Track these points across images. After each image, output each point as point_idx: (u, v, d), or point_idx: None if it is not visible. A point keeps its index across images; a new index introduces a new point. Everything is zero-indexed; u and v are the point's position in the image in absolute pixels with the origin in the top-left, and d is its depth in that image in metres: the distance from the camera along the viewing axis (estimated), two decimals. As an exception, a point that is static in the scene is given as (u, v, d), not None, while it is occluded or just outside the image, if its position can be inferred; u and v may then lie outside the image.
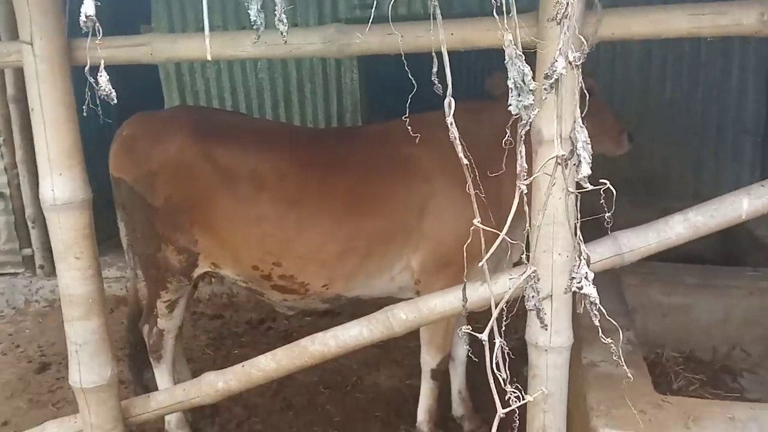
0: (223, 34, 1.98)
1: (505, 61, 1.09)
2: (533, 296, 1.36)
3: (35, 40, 1.90)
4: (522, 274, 1.28)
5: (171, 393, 2.40)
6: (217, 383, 2.27)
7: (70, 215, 2.03)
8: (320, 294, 3.46)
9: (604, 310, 1.33)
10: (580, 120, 1.15)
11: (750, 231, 4.27)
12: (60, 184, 2.00)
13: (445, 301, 2.09)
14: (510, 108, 1.11)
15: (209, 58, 1.50)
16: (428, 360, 3.58)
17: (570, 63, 1.07)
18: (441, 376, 3.64)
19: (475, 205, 1.21)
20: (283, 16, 1.32)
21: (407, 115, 4.40)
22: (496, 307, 1.25)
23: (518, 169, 1.14)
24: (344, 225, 3.34)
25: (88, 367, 2.17)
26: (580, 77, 1.14)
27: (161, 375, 3.81)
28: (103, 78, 1.37)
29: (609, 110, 3.66)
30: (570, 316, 1.98)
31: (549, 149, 1.83)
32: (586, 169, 1.14)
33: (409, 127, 1.87)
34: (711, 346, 3.68)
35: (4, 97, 5.67)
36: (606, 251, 2.02)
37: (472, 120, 3.13)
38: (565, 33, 1.08)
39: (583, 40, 1.12)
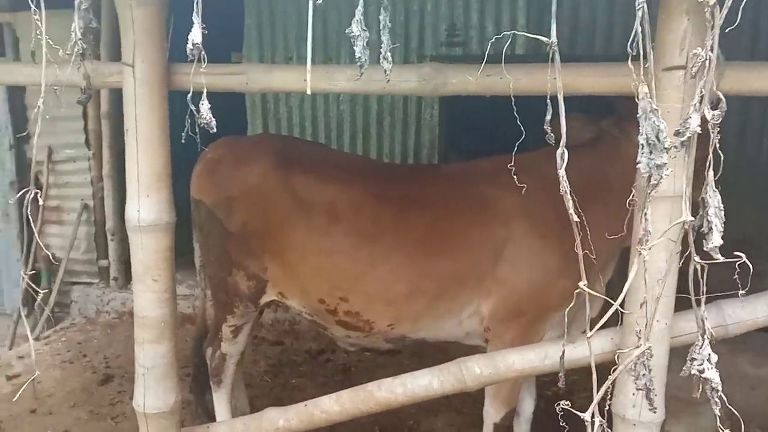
0: (318, 67, 1.97)
1: (638, 115, 1.00)
2: (644, 374, 1.23)
3: (137, 62, 1.94)
4: (635, 348, 1.15)
5: (231, 426, 2.35)
6: (278, 421, 2.21)
7: (153, 237, 2.04)
8: (385, 333, 3.37)
9: (725, 398, 1.19)
10: (713, 183, 1.04)
11: None
12: (146, 206, 2.02)
13: (524, 359, 1.97)
14: (639, 166, 1.01)
15: (308, 91, 1.47)
16: (492, 413, 3.41)
17: (712, 120, 0.97)
18: (505, 431, 3.46)
19: (582, 266, 1.10)
20: (389, 54, 1.28)
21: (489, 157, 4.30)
22: (596, 378, 1.13)
23: (641, 233, 1.04)
24: (416, 263, 3.25)
25: (154, 391, 2.15)
26: (717, 137, 1.04)
27: (219, 400, 3.79)
28: (205, 106, 1.36)
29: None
30: (663, 388, 1.82)
31: (664, 206, 1.71)
32: (717, 239, 1.02)
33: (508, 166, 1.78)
34: (800, 424, 3.37)
35: (97, 113, 5.92)
36: (710, 320, 1.85)
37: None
38: (702, 88, 0.98)
39: (722, 96, 1.01)
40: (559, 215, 3.20)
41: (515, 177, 3.35)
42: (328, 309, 3.37)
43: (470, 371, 2.00)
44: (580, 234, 1.08)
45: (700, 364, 1.13)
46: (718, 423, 1.19)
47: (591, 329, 1.30)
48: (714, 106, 0.96)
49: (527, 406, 3.73)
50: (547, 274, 3.14)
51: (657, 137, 0.97)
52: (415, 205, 3.34)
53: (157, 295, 2.07)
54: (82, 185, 6.12)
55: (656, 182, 0.99)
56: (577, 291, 1.16)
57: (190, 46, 1.30)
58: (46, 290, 6.02)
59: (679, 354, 3.23)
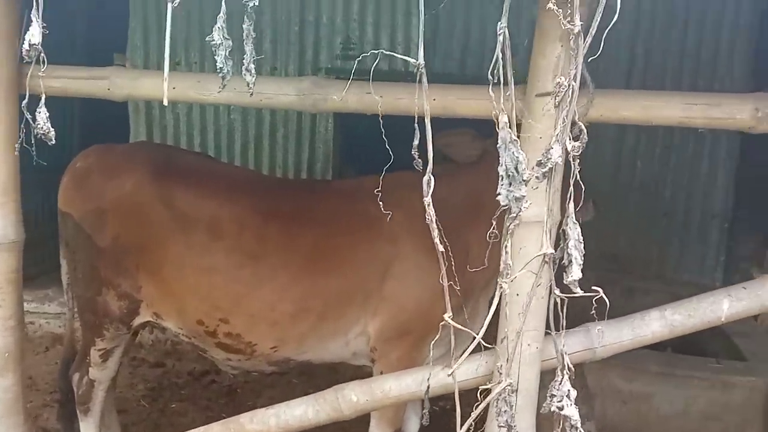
0: (188, 75, 1.83)
1: (498, 146, 0.97)
2: (506, 411, 1.19)
3: (-22, 63, 1.73)
4: (497, 384, 1.12)
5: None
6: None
7: (-4, 256, 1.82)
8: (268, 356, 3.24)
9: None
10: (573, 215, 1.02)
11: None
12: (-12, 223, 1.80)
13: (401, 385, 1.92)
14: (499, 198, 0.98)
15: (165, 102, 1.34)
16: (377, 434, 3.36)
17: (570, 152, 0.95)
18: (390, 452, 3.40)
19: (448, 298, 1.06)
20: (252, 66, 1.19)
21: (379, 174, 4.26)
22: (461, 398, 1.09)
23: (502, 266, 1.01)
24: (301, 283, 3.15)
25: (-5, 429, 1.92)
26: (577, 169, 1.02)
27: (87, 430, 3.50)
28: (42, 115, 1.20)
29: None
30: (534, 414, 1.82)
31: (527, 231, 1.72)
32: (576, 272, 1.00)
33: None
34: (669, 437, 3.56)
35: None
36: (577, 344, 1.88)
37: (444, 185, 3.06)
38: (563, 119, 0.96)
39: (583, 127, 1.00)
40: (446, 233, 3.23)
41: (405, 195, 3.36)
42: (208, 331, 3.20)
43: (346, 399, 1.92)
44: (446, 264, 1.03)
45: (560, 401, 1.11)
46: None
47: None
48: (576, 137, 0.94)
49: (412, 425, 3.71)
50: (433, 293, 3.13)
51: (516, 169, 0.94)
52: (301, 222, 3.24)
53: (1, 323, 1.85)
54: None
55: (515, 215, 0.96)
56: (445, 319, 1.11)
57: (26, 47, 1.14)
58: None
59: (548, 371, 3.33)
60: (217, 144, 5.43)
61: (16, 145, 1.43)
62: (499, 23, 0.90)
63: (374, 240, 3.15)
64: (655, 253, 5.33)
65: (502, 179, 0.97)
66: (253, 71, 1.20)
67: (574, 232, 1.03)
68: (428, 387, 1.17)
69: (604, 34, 0.95)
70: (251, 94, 1.30)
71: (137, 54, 5.22)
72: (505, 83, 0.93)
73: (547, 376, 1.82)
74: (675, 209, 5.26)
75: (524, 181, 0.95)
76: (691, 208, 5.26)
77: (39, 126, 1.22)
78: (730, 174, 5.20)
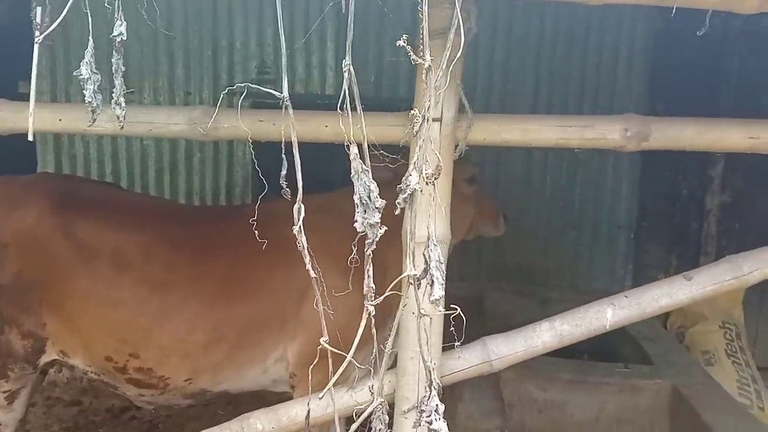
0: (75, 106, 1.80)
1: (351, 175, 1.01)
2: (380, 428, 1.23)
3: None
4: (369, 404, 1.15)
5: None
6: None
7: None
8: (182, 389, 3.17)
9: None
10: (434, 237, 1.07)
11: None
12: None
13: (303, 409, 1.92)
14: (356, 225, 1.02)
15: (30, 137, 1.31)
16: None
17: (424, 178, 1.00)
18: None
19: (323, 319, 1.09)
20: (122, 99, 1.19)
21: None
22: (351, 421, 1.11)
23: (365, 289, 1.05)
24: (214, 311, 3.11)
25: None
26: (437, 194, 1.08)
27: (-7, 478, 3.32)
28: None
29: (488, 194, 3.85)
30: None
31: (418, 250, 1.78)
32: (438, 291, 1.05)
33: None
34: (584, 443, 3.69)
35: None
36: (475, 358, 1.95)
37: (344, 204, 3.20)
38: (420, 146, 1.01)
39: (438, 156, 1.06)
40: (360, 254, 3.28)
41: (318, 217, 3.37)
42: (117, 367, 3.10)
43: (252, 428, 1.92)
44: (321, 288, 1.06)
45: (428, 416, 1.16)
46: None
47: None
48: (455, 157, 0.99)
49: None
50: (350, 314, 3.15)
51: (369, 197, 0.99)
52: (212, 249, 3.19)
53: None
54: None
55: (371, 240, 1.00)
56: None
57: None
58: None
59: (471, 383, 3.40)
60: (130, 172, 5.31)
61: None
62: (344, 61, 0.95)
63: (289, 264, 3.15)
64: (567, 265, 5.54)
65: (357, 207, 1.01)
66: (122, 105, 1.20)
67: (434, 253, 1.08)
68: (308, 411, 1.18)
69: (451, 67, 1.00)
70: (121, 127, 1.30)
71: (42, 82, 5.06)
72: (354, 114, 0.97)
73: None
74: (583, 222, 5.49)
75: (377, 208, 1.00)
76: (599, 220, 5.50)
77: None
78: (634, 186, 5.48)
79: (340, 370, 1.03)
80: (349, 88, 0.93)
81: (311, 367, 3.12)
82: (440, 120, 1.69)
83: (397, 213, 1.08)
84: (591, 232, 5.51)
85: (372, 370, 1.19)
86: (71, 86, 5.08)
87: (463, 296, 4.37)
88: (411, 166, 1.02)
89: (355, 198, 0.99)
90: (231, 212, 3.91)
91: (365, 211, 0.99)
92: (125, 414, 4.97)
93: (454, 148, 1.73)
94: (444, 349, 1.86)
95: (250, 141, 1.37)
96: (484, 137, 1.84)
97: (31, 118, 1.22)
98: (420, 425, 1.16)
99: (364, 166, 0.97)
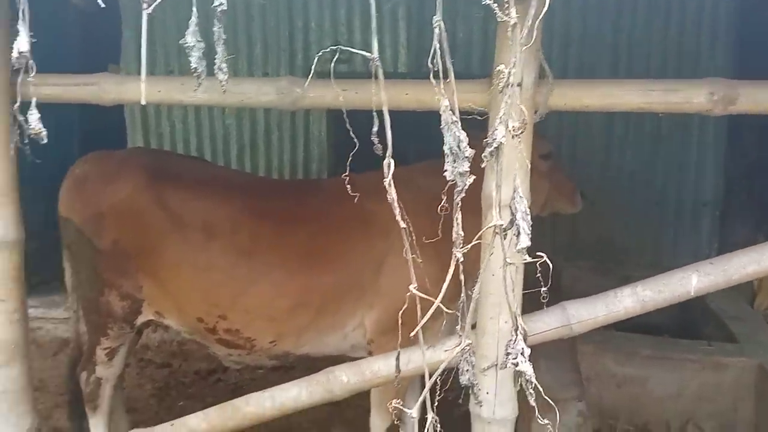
0: (172, 78, 1.94)
1: (441, 126, 1.06)
2: (467, 370, 1.29)
3: (-24, 73, 1.84)
4: (456, 347, 1.22)
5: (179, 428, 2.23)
6: (145, 442, 2.14)
7: (-2, 256, 1.93)
8: (267, 350, 3.33)
9: (540, 388, 1.27)
10: (520, 190, 1.12)
11: (705, 302, 4.29)
12: (-10, 223, 1.90)
13: (389, 365, 2.01)
14: (446, 174, 1.08)
15: (143, 101, 1.44)
16: (378, 423, 3.45)
17: (510, 132, 1.04)
18: (392, 442, 3.49)
19: (412, 270, 1.15)
20: (224, 65, 1.28)
21: (372, 171, 4.37)
22: (431, 377, 1.18)
23: (454, 236, 1.10)
24: (297, 279, 3.24)
25: (5, 418, 2.02)
26: (522, 146, 1.12)
27: (96, 427, 3.61)
28: (34, 116, 1.30)
29: (563, 171, 3.78)
30: (515, 387, 1.91)
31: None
32: (525, 241, 1.10)
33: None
34: (665, 419, 3.63)
35: None
36: (554, 321, 1.97)
37: (436, 179, 3.22)
38: (506, 102, 1.06)
39: (524, 110, 1.09)
40: (435, 226, 3.33)
41: (397, 190, 3.42)
42: (207, 328, 3.30)
43: (337, 380, 2.02)
44: (409, 238, 1.13)
45: (515, 358, 1.21)
46: (537, 413, 1.26)
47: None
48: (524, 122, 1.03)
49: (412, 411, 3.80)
50: (425, 284, 3.23)
51: (458, 146, 1.04)
52: (295, 220, 3.33)
53: (6, 317, 1.96)
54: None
55: (461, 188, 1.06)
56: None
57: (15, 54, 1.24)
58: None
59: (548, 355, 3.41)
60: (213, 149, 5.54)
61: (12, 145, 1.53)
62: (434, 17, 1.00)
63: (368, 235, 3.25)
64: (648, 242, 5.40)
65: (447, 157, 1.07)
66: (225, 70, 1.29)
67: (521, 205, 1.12)
68: (398, 362, 1.25)
69: (535, 26, 1.03)
70: (224, 92, 1.40)
71: (131, 64, 5.33)
72: (444, 74, 1.02)
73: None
74: (666, 198, 5.33)
75: (466, 157, 1.05)
76: (683, 196, 5.32)
77: (31, 127, 1.31)
78: (719, 162, 5.26)
79: (427, 316, 1.09)
80: (440, 42, 0.98)
81: (388, 335, 3.26)
82: (521, 84, 1.72)
83: (483, 166, 1.13)
84: (674, 209, 5.34)
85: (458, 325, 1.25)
86: (156, 67, 5.33)
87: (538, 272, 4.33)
88: (497, 121, 1.06)
89: (445, 148, 1.05)
90: (312, 185, 4.05)
91: (455, 160, 1.04)
92: (212, 376, 5.25)
93: (534, 112, 1.75)
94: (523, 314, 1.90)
95: (344, 111, 1.43)
96: (564, 102, 1.85)
97: (143, 84, 1.34)
98: (506, 367, 1.22)
99: (454, 118, 1.03)
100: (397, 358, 1.23)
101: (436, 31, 1.01)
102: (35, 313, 5.93)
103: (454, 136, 1.03)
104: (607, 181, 5.20)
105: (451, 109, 1.01)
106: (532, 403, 1.24)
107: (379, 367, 2.01)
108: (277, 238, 3.28)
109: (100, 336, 3.54)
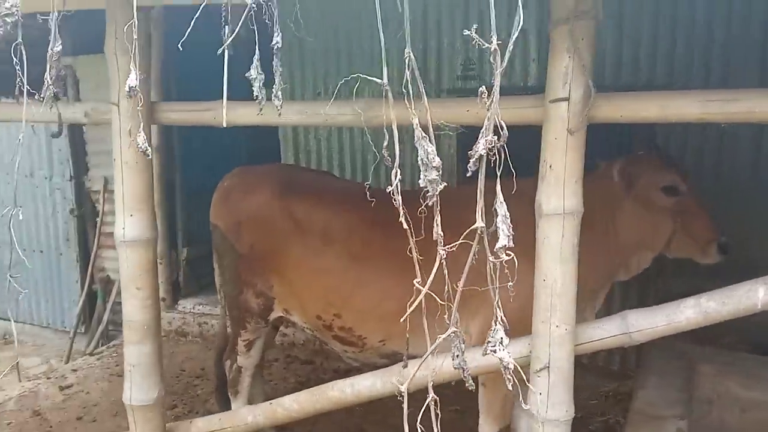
0: (269, 104, 2.26)
1: (415, 142, 1.22)
2: (458, 355, 1.42)
3: (121, 102, 2.30)
4: (444, 334, 1.36)
5: (209, 421, 2.63)
6: (247, 417, 2.47)
7: (135, 251, 2.37)
8: (377, 349, 3.57)
9: (525, 377, 1.36)
10: (500, 194, 1.24)
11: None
12: (129, 224, 2.35)
13: (448, 363, 2.14)
14: (420, 182, 1.23)
15: (224, 124, 1.76)
16: (486, 429, 3.53)
17: (493, 143, 1.18)
18: (498, 449, 3.55)
19: (418, 270, 1.32)
20: (279, 93, 1.55)
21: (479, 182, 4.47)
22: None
23: (434, 236, 1.26)
24: (404, 283, 3.44)
25: (138, 386, 2.45)
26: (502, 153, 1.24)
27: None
28: (141, 138, 1.66)
29: (704, 212, 3.27)
30: (571, 389, 1.96)
31: (546, 222, 1.91)
32: (503, 240, 1.22)
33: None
34: (794, 449, 3.31)
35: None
36: (613, 329, 1.99)
37: None
38: (488, 118, 1.19)
39: (504, 125, 1.22)
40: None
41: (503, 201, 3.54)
42: (324, 325, 3.63)
43: (406, 374, 2.20)
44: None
45: (494, 346, 1.32)
46: (521, 398, 1.35)
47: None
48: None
49: (524, 423, 3.82)
50: (531, 293, 3.28)
51: (428, 158, 1.19)
52: (403, 228, 3.55)
53: (141, 302, 2.39)
54: (135, 213, 6.64)
55: (432, 194, 1.20)
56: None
57: (126, 89, 1.61)
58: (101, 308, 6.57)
59: (661, 372, 3.29)
60: (353, 164, 5.96)
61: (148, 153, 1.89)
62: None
63: (470, 245, 3.38)
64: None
65: (421, 166, 1.22)
66: (280, 97, 1.56)
67: (501, 209, 1.24)
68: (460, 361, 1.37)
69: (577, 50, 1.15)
70: (279, 115, 1.67)
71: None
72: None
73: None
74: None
75: (434, 167, 1.19)
76: None
77: (139, 145, 1.67)
78: None
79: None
80: (411, 71, 1.15)
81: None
82: (568, 99, 1.80)
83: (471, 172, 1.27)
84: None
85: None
86: (306, 90, 5.87)
87: (679, 292, 4.11)
88: (481, 134, 1.20)
89: (419, 160, 1.21)
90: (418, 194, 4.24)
91: (426, 169, 1.20)
92: (348, 375, 5.61)
93: (582, 125, 1.81)
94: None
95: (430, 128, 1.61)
96: (621, 114, 1.88)
97: (224, 110, 1.65)
98: (486, 353, 1.34)
99: (423, 134, 1.18)
100: (456, 356, 1.38)
101: (407, 60, 1.18)
102: (203, 310, 6.77)
103: (424, 149, 1.19)
104: (755, 197, 4.77)
105: (417, 126, 1.17)
106: (509, 387, 1.34)
107: (444, 363, 2.15)
108: (387, 245, 3.52)
109: (240, 329, 4.02)
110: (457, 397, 3.64)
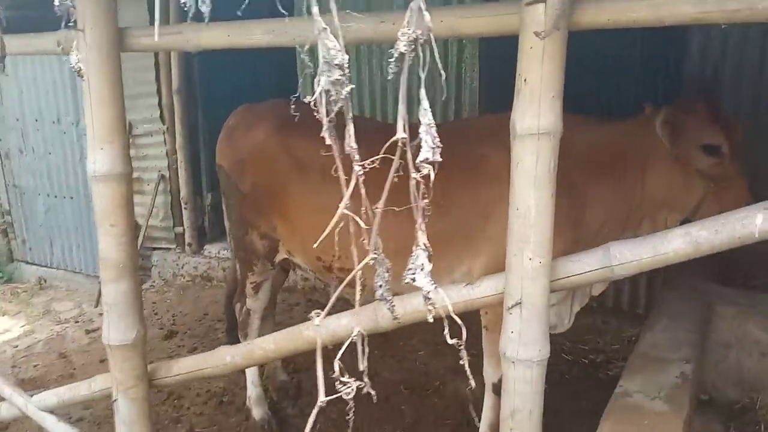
0: (235, 24, 2.11)
1: (316, 34, 1.07)
2: (381, 285, 1.29)
3: (87, 29, 2.19)
4: (366, 259, 1.23)
5: (190, 361, 2.59)
6: (226, 357, 2.42)
7: (108, 186, 2.29)
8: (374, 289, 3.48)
9: (452, 311, 1.22)
10: (426, 102, 1.09)
11: None
12: (100, 158, 2.27)
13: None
14: (321, 83, 1.08)
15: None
16: (490, 373, 3.43)
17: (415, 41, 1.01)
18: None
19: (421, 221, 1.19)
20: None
21: (485, 114, 4.25)
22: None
23: (347, 149, 1.12)
24: (403, 222, 3.32)
25: (116, 326, 2.42)
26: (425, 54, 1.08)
27: (246, 351, 4.09)
28: (73, 57, 1.55)
29: (742, 183, 2.88)
30: (545, 328, 1.82)
31: (520, 143, 1.73)
32: (426, 153, 1.07)
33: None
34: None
35: (170, 89, 6.40)
36: (595, 262, 1.82)
37: (576, 132, 2.98)
38: (410, 11, 1.03)
39: (429, 23, 1.05)
40: (565, 179, 3.15)
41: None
42: (325, 266, 3.54)
43: (381, 312, 2.09)
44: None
45: (413, 273, 1.18)
46: (447, 333, 1.22)
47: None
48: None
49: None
50: (565, 243, 3.10)
51: (329, 54, 1.03)
52: (404, 163, 3.40)
53: (115, 239, 2.33)
54: (159, 157, 6.64)
55: (336, 98, 1.05)
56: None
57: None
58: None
59: (674, 314, 3.09)
60: (373, 102, 5.79)
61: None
62: None
63: (477, 181, 3.20)
64: None
65: (322, 67, 1.07)
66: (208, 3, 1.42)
67: (425, 118, 1.09)
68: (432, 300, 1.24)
69: None
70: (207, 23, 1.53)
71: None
72: None
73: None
74: None
75: (338, 65, 1.03)
76: None
77: (72, 65, 1.56)
78: None
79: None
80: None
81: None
82: (545, 1, 1.59)
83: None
84: None
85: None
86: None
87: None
88: (400, 32, 1.04)
89: (320, 60, 1.06)
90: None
91: (328, 69, 1.05)
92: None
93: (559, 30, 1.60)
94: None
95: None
96: (608, 18, 1.67)
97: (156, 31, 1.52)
98: (405, 280, 1.21)
99: (323, 26, 1.02)
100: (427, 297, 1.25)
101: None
102: (228, 255, 6.82)
103: (324, 45, 1.03)
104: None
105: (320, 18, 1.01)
106: (430, 319, 1.21)
107: (419, 302, 2.03)
108: (385, 182, 3.38)
109: (247, 271, 3.99)
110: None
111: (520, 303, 1.76)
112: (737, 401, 3.09)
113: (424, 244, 1.16)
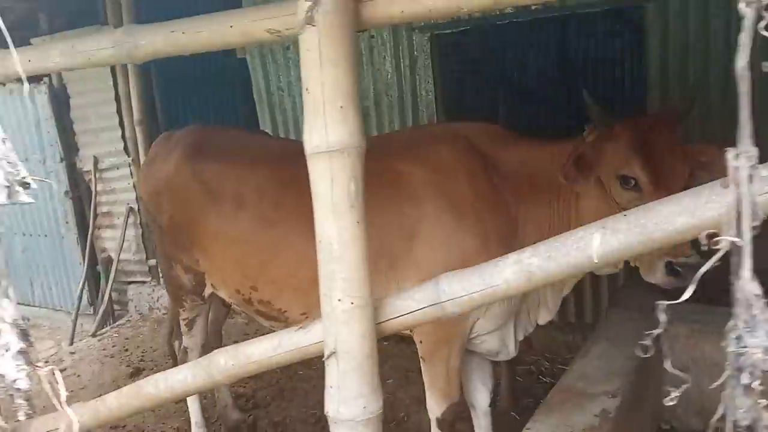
0: (27, 49, 1.88)
1: None
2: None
3: None
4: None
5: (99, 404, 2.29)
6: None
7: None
8: (301, 322, 3.21)
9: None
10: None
11: None
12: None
13: (259, 348, 1.74)
14: None
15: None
16: (433, 407, 3.12)
17: None
18: (448, 427, 3.12)
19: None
20: None
21: (404, 128, 3.94)
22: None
23: None
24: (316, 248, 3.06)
25: None
26: None
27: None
28: None
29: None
30: (371, 380, 1.51)
31: (312, 164, 1.45)
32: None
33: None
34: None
35: (131, 121, 6.24)
36: (425, 298, 1.51)
37: (501, 148, 2.92)
38: None
39: None
40: (477, 193, 2.85)
41: (431, 150, 3.06)
42: (244, 299, 3.30)
43: (217, 364, 1.81)
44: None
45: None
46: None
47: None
48: None
49: (482, 398, 3.40)
50: (463, 255, 2.80)
51: None
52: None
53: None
54: (126, 190, 6.51)
55: None
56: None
57: None
58: (103, 289, 6.53)
59: (614, 337, 2.74)
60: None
61: None
62: None
63: (398, 200, 2.91)
64: None
65: None
66: None
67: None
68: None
69: None
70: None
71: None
72: None
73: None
74: None
75: None
76: None
77: None
78: None
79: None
80: None
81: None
82: None
83: None
84: None
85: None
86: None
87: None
88: None
89: None
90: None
91: None
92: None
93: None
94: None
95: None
96: (401, 10, 1.37)
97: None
98: None
99: None
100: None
101: None
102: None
103: None
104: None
105: None
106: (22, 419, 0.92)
107: (253, 351, 1.74)
108: (300, 206, 3.11)
109: (177, 307, 3.76)
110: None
111: (334, 352, 1.46)
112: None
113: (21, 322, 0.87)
